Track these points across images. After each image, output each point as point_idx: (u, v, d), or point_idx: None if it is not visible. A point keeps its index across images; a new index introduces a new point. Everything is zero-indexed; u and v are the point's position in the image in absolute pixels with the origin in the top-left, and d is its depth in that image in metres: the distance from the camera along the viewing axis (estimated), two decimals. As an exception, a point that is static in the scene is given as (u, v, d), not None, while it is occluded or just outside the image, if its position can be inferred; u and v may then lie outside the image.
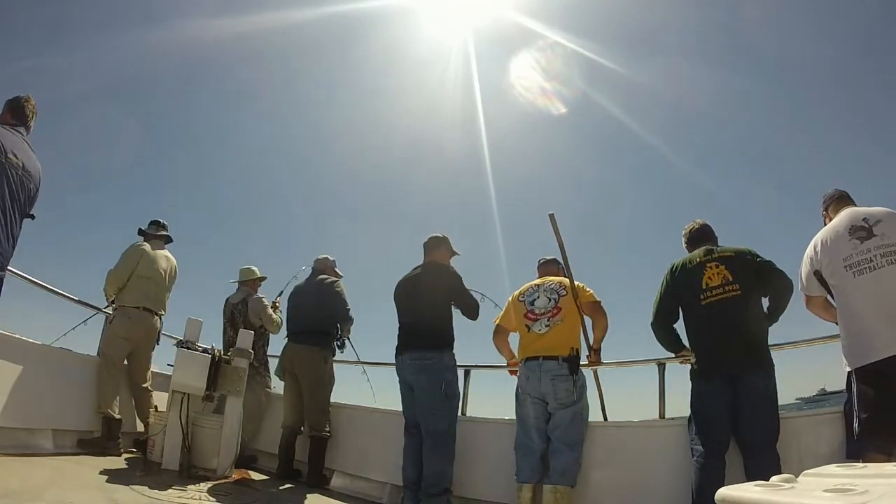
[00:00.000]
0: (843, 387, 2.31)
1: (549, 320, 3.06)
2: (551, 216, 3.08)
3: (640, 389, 3.60)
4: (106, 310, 3.97)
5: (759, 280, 2.61)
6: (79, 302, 3.93)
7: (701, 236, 2.88)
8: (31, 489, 2.31)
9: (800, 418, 2.56)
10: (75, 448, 3.39)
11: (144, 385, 3.94)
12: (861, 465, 1.08)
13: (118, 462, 3.37)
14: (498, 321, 3.35)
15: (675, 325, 2.86)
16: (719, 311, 2.58)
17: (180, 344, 3.47)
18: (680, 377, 2.84)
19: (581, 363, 3.06)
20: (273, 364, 4.47)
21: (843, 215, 2.40)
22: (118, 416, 3.64)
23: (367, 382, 4.19)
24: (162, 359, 3.99)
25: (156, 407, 3.78)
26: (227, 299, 4.56)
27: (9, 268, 2.81)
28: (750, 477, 2.19)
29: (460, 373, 3.41)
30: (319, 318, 3.99)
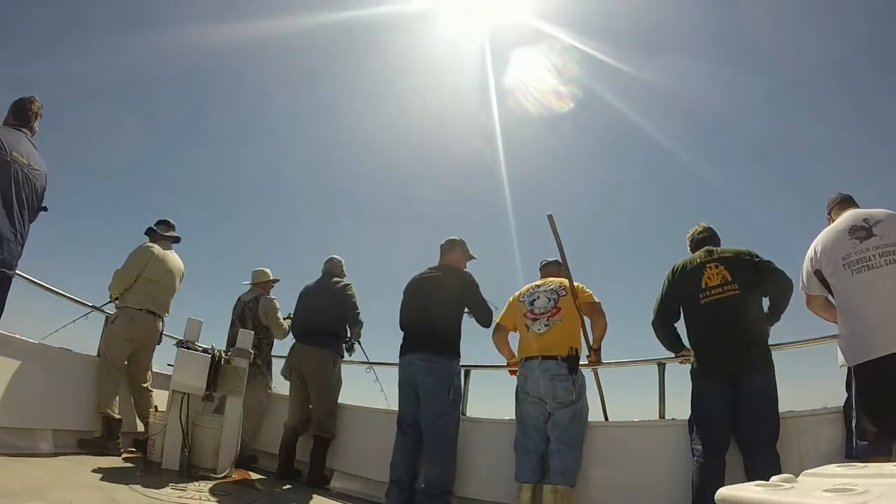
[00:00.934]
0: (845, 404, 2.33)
1: (548, 320, 3.07)
2: (550, 217, 3.10)
3: (640, 389, 3.60)
4: (104, 308, 3.97)
5: (759, 280, 2.62)
6: (73, 300, 3.88)
7: (703, 240, 2.90)
8: (31, 489, 2.31)
9: (800, 418, 2.55)
10: (75, 448, 3.39)
11: (144, 385, 3.94)
12: (861, 465, 1.08)
13: (118, 462, 3.37)
14: (498, 320, 3.35)
15: (675, 326, 2.87)
16: (718, 310, 2.59)
17: (180, 344, 3.47)
18: (680, 377, 2.85)
19: (581, 363, 3.06)
20: (277, 364, 4.49)
21: (845, 216, 2.43)
22: (118, 416, 3.64)
23: (375, 383, 4.18)
24: (162, 359, 3.99)
25: (156, 407, 3.78)
26: (239, 298, 4.58)
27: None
28: (750, 477, 2.19)
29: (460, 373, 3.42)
30: (331, 320, 3.99)
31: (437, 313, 3.27)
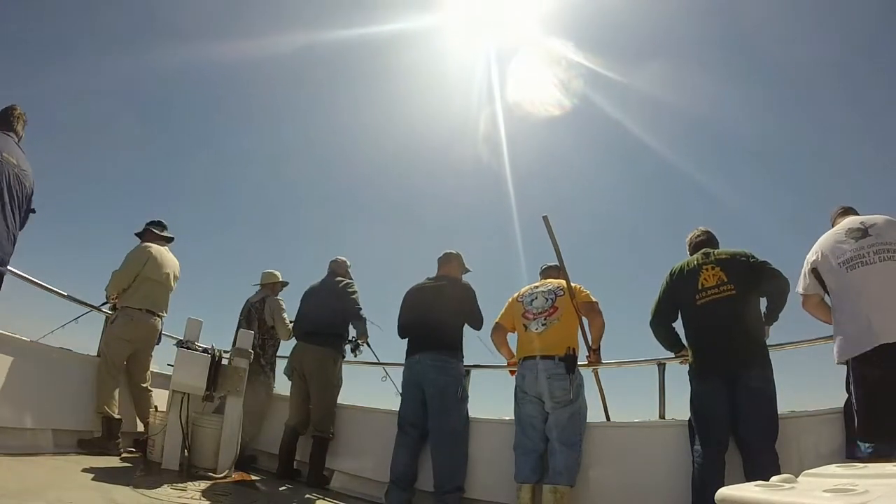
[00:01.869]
0: (839, 403, 2.34)
1: (545, 319, 3.10)
2: (545, 219, 3.16)
3: (640, 390, 3.60)
4: (103, 308, 3.97)
5: (756, 280, 2.63)
6: (71, 299, 3.88)
7: (701, 243, 2.93)
8: (31, 489, 2.31)
9: (800, 418, 2.55)
10: (75, 448, 3.39)
11: (144, 385, 3.94)
12: (861, 465, 1.08)
13: (118, 462, 3.37)
14: (497, 319, 3.40)
15: (673, 326, 2.88)
16: (714, 310, 2.61)
17: (180, 344, 3.47)
18: (680, 377, 2.85)
19: (580, 363, 3.07)
20: (281, 365, 4.50)
21: (844, 221, 2.50)
22: (118, 416, 3.64)
23: (387, 382, 4.18)
24: (162, 359, 4.00)
25: (156, 407, 3.78)
26: (247, 300, 4.59)
27: (10, 267, 2.82)
28: (750, 477, 2.19)
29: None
30: (332, 319, 4.00)
31: (444, 318, 3.41)
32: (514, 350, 3.30)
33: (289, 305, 4.51)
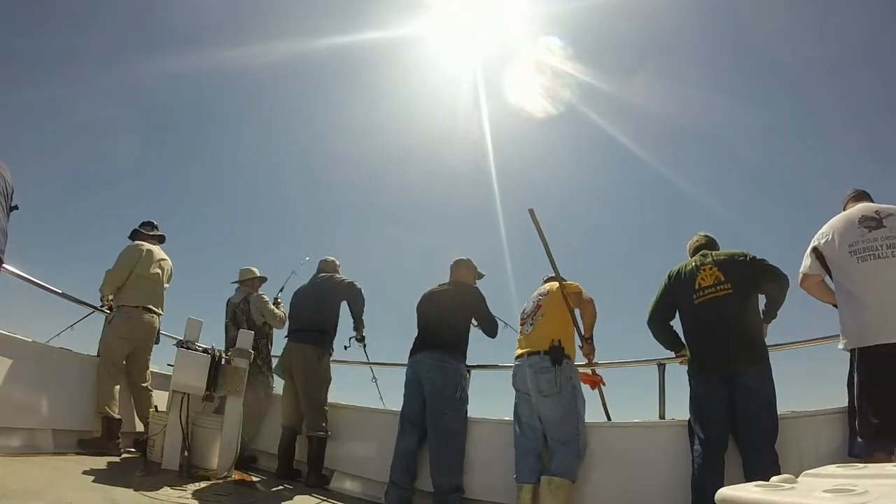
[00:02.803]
0: (840, 403, 2.33)
1: (532, 319, 3.20)
2: (531, 211, 3.20)
3: (640, 390, 3.60)
4: (102, 309, 3.97)
5: (753, 278, 2.63)
6: (76, 300, 3.92)
7: (701, 247, 2.94)
8: (31, 489, 2.31)
9: (800, 418, 2.55)
10: (75, 448, 3.39)
11: (144, 385, 3.94)
12: (861, 465, 1.08)
13: (118, 462, 3.37)
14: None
15: (671, 325, 2.89)
16: (711, 309, 2.62)
17: (180, 344, 3.47)
18: (680, 377, 2.85)
19: (580, 364, 3.09)
20: (276, 363, 4.50)
21: (857, 207, 2.46)
22: (118, 416, 3.64)
23: (373, 383, 4.24)
24: (162, 359, 4.00)
25: (156, 407, 3.78)
26: (228, 300, 4.57)
27: (7, 266, 2.82)
28: (749, 477, 2.19)
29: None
30: (316, 316, 3.99)
31: (447, 319, 3.45)
32: None
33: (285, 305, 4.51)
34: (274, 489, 3.47)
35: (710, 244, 2.94)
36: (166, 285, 4.09)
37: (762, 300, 2.71)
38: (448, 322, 3.44)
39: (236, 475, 3.40)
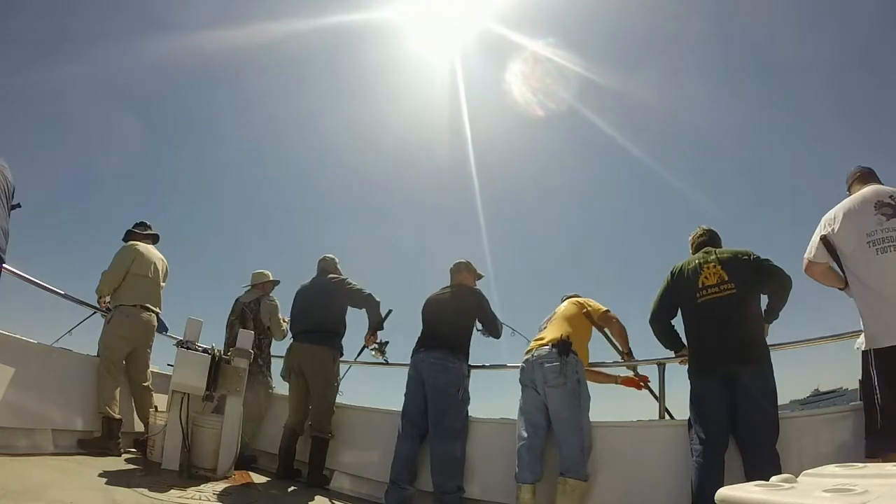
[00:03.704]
0: (836, 386, 2.29)
1: (545, 324, 3.26)
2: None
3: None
4: (101, 310, 3.98)
5: (757, 278, 2.62)
6: (79, 302, 3.93)
7: (704, 242, 2.92)
8: (31, 489, 2.31)
9: (800, 418, 2.55)
10: (75, 448, 3.39)
11: (145, 384, 3.94)
12: (861, 465, 1.08)
13: (118, 462, 3.37)
14: None
15: (673, 325, 2.89)
16: (714, 308, 2.61)
17: (180, 344, 3.47)
18: (680, 377, 2.85)
19: (587, 364, 3.11)
20: (276, 364, 4.49)
21: (869, 189, 2.36)
22: (118, 416, 3.64)
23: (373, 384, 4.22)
24: (162, 359, 4.01)
25: (156, 407, 3.78)
26: (237, 299, 4.58)
27: (8, 266, 2.82)
28: (750, 477, 2.19)
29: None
30: (327, 317, 3.99)
31: (449, 319, 3.48)
32: None
33: (282, 307, 4.51)
34: (274, 489, 3.47)
35: (712, 239, 2.92)
36: (162, 284, 4.10)
37: (763, 300, 2.70)
38: (450, 322, 3.46)
39: (236, 475, 3.40)
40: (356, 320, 4.08)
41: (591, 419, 2.96)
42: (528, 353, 3.16)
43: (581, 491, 2.74)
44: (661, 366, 3.08)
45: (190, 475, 3.19)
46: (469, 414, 3.36)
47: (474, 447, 3.29)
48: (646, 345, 3.10)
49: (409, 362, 3.52)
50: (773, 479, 1.05)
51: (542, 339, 3.13)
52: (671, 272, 2.88)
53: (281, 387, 4.44)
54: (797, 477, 1.06)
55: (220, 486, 3.13)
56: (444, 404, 3.23)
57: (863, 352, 2.22)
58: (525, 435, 2.97)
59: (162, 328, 4.10)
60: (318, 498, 3.37)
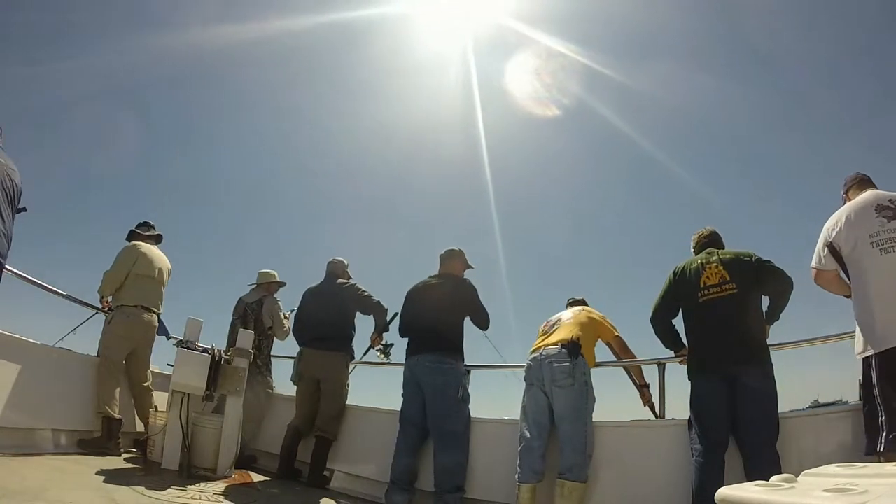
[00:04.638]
0: (836, 398, 2.29)
1: (557, 324, 3.23)
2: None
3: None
4: (103, 310, 3.98)
5: (758, 279, 2.63)
6: (81, 302, 3.93)
7: (708, 242, 2.93)
8: (31, 489, 2.31)
9: (800, 418, 2.55)
10: (75, 448, 3.39)
11: (145, 384, 3.94)
12: (861, 465, 1.08)
13: (118, 462, 3.37)
14: None
15: (674, 324, 2.90)
16: (715, 308, 2.62)
17: (180, 344, 3.47)
18: (680, 377, 2.85)
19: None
20: (276, 364, 4.49)
21: (868, 194, 2.37)
22: (118, 416, 3.63)
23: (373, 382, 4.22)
24: (162, 359, 4.00)
25: (156, 407, 3.78)
26: (240, 298, 4.58)
27: (9, 267, 2.82)
28: (750, 477, 2.19)
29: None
30: (338, 322, 3.99)
31: (443, 317, 3.40)
32: None
33: (284, 305, 4.52)
34: (274, 489, 3.47)
35: (715, 241, 2.93)
36: (164, 284, 4.10)
37: (765, 301, 2.70)
38: (445, 321, 3.40)
39: (236, 475, 3.40)
40: (361, 321, 4.11)
41: (592, 419, 2.97)
42: (534, 351, 3.14)
43: (580, 493, 2.74)
44: (661, 366, 3.08)
45: (190, 475, 3.19)
46: (470, 413, 3.36)
47: (474, 447, 3.28)
48: (646, 345, 3.10)
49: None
50: (774, 479, 1.05)
51: (550, 338, 3.11)
52: (673, 272, 2.88)
53: (281, 387, 4.45)
54: (797, 477, 1.06)
55: (220, 486, 3.13)
56: (445, 407, 3.22)
57: (864, 358, 2.21)
58: (528, 435, 2.96)
59: (163, 332, 4.07)
60: (318, 498, 3.37)
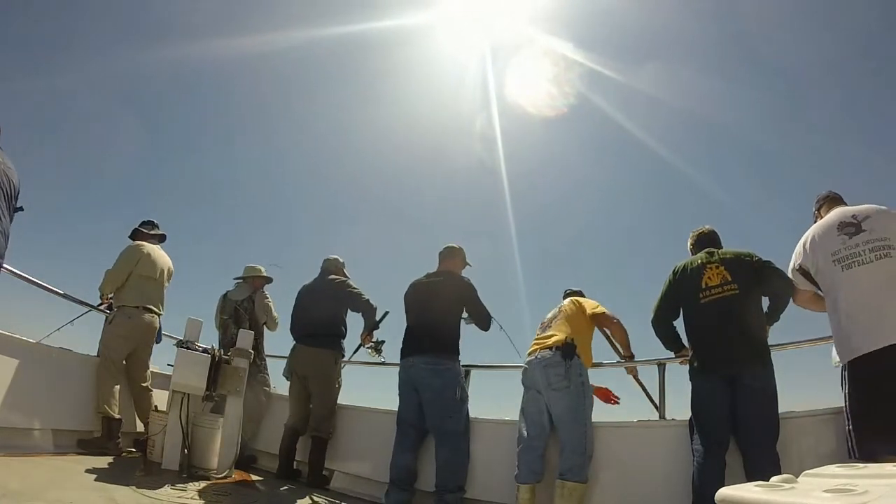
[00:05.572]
0: (840, 405, 2.31)
1: (550, 324, 3.20)
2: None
3: (640, 389, 3.59)
4: (100, 308, 3.98)
5: (759, 280, 2.63)
6: (79, 301, 3.92)
7: (706, 241, 2.92)
8: (31, 489, 2.31)
9: (800, 418, 2.55)
10: (75, 448, 3.39)
11: (144, 384, 3.94)
12: (861, 465, 1.08)
13: (118, 462, 3.37)
14: None
15: (674, 325, 2.89)
16: (717, 309, 2.61)
17: (180, 344, 3.47)
18: (680, 377, 2.85)
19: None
20: (274, 363, 4.50)
21: (833, 213, 2.46)
22: (118, 416, 3.64)
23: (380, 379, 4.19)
24: (162, 359, 4.00)
25: (156, 407, 3.78)
26: (226, 296, 4.54)
27: (6, 266, 2.82)
28: (750, 477, 2.19)
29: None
30: (329, 319, 3.98)
31: (438, 317, 3.35)
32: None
33: (282, 305, 4.52)
34: (274, 489, 3.47)
35: (714, 240, 2.92)
36: (166, 285, 4.10)
37: (765, 301, 2.70)
38: (439, 320, 3.34)
39: (236, 475, 3.40)
40: (353, 319, 4.10)
41: (592, 419, 2.97)
42: (530, 354, 3.13)
43: (580, 493, 2.74)
44: (662, 366, 3.08)
45: (190, 475, 3.19)
46: (469, 413, 3.35)
47: (474, 447, 3.28)
48: (646, 345, 3.10)
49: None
50: (774, 479, 1.05)
51: (545, 340, 3.09)
52: (673, 271, 2.87)
53: (281, 387, 4.45)
54: (797, 477, 1.06)
55: (220, 486, 3.13)
56: (444, 409, 3.18)
57: (841, 367, 2.27)
58: (526, 436, 2.96)
59: (157, 336, 4.04)
60: (318, 498, 3.37)
